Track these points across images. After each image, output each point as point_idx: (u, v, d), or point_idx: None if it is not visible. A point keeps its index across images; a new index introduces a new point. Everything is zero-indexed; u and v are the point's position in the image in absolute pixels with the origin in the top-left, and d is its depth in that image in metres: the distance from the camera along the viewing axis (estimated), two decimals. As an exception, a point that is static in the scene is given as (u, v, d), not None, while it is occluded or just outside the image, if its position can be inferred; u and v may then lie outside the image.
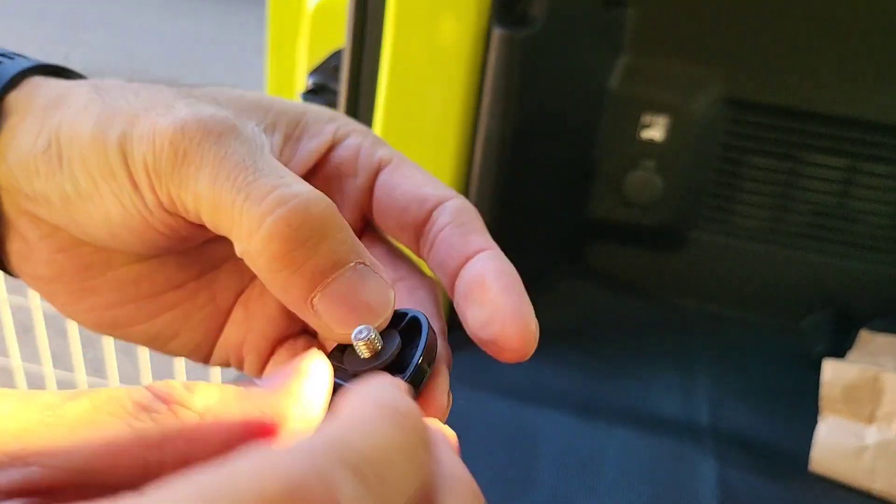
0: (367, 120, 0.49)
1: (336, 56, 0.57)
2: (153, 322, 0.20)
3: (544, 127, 0.55)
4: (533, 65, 0.49)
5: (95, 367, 1.33)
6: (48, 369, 1.14)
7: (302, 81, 0.60)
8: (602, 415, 0.47)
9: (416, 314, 0.17)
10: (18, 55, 0.20)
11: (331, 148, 0.20)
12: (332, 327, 0.16)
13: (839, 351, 0.52)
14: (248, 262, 0.16)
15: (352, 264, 0.16)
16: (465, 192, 0.50)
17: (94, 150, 0.17)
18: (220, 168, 0.16)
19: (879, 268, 0.60)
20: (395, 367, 0.17)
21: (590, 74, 0.59)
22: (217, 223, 0.16)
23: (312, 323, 0.16)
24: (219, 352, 0.21)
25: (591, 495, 0.40)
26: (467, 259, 0.19)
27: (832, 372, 0.45)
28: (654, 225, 0.63)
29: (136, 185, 0.17)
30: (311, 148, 0.19)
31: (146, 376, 1.05)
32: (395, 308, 0.17)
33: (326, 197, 0.16)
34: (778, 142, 0.60)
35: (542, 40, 0.49)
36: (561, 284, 0.63)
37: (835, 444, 0.44)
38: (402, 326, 0.17)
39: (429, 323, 0.17)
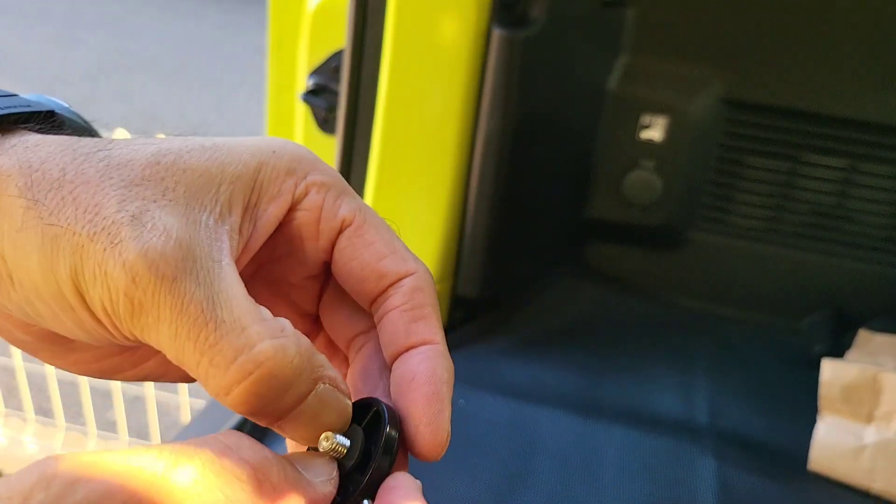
0: (368, 120, 0.49)
1: (336, 57, 0.57)
2: (140, 368, 0.20)
3: (544, 127, 0.55)
4: (532, 65, 0.49)
5: (96, 368, 1.33)
6: (50, 369, 1.15)
7: (302, 82, 0.60)
8: (602, 413, 0.47)
9: (379, 407, 0.18)
10: None
11: (291, 209, 0.19)
12: (297, 442, 0.17)
13: (838, 350, 0.52)
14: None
15: (313, 392, 0.16)
16: (465, 192, 0.51)
17: (47, 285, 0.16)
18: (178, 324, 0.15)
19: (878, 268, 0.60)
20: (358, 467, 0.17)
21: (589, 75, 0.59)
22: (184, 370, 0.16)
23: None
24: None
25: (591, 493, 0.40)
26: (408, 349, 0.18)
27: (831, 371, 0.45)
28: (654, 224, 0.63)
29: (97, 320, 0.16)
30: (270, 214, 0.18)
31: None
32: (359, 399, 0.18)
33: (291, 346, 0.16)
34: (776, 142, 0.60)
35: (542, 41, 0.49)
36: (560, 284, 0.63)
37: (834, 444, 0.44)
38: (366, 422, 0.18)
39: (389, 414, 0.18)
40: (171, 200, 0.16)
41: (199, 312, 0.15)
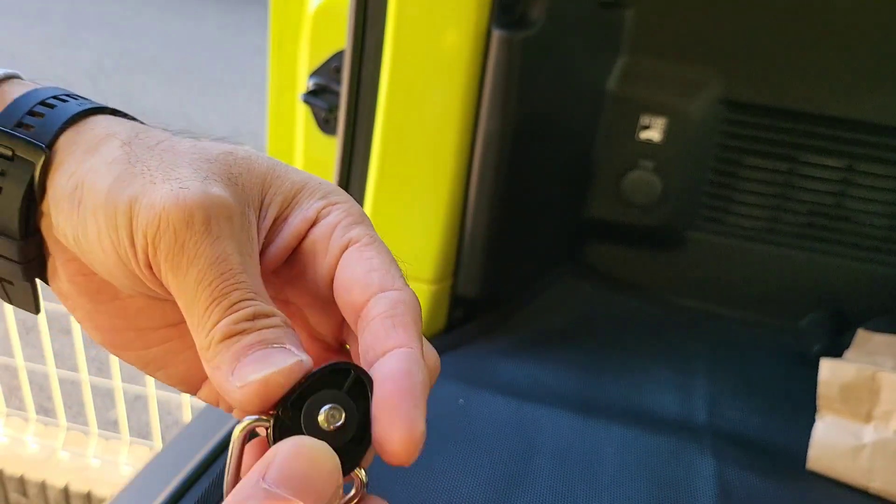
0: (369, 121, 0.49)
1: (337, 57, 0.58)
2: (146, 351, 0.23)
3: (543, 127, 0.55)
4: (532, 66, 0.49)
5: (99, 367, 1.33)
6: (51, 369, 1.15)
7: (303, 82, 0.60)
8: (601, 413, 0.47)
9: (359, 374, 0.18)
10: (80, 97, 0.23)
11: (312, 224, 0.21)
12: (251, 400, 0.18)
13: (836, 350, 0.52)
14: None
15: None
16: (465, 192, 0.51)
17: (106, 203, 0.19)
18: (207, 272, 0.18)
19: (876, 267, 0.60)
20: (353, 439, 0.18)
21: (588, 76, 0.59)
22: (185, 316, 0.19)
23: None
24: (205, 390, 0.23)
25: (590, 492, 0.40)
26: (385, 353, 0.18)
27: (829, 371, 0.45)
28: (653, 224, 0.63)
29: (133, 244, 0.19)
30: (293, 227, 0.21)
31: (149, 377, 1.05)
32: (331, 363, 0.18)
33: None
34: (775, 142, 0.60)
35: (541, 42, 0.49)
36: (560, 283, 0.63)
37: (832, 443, 0.44)
38: (348, 386, 0.18)
39: (368, 380, 0.18)
40: (233, 184, 0.20)
41: (228, 269, 0.18)
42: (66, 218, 0.20)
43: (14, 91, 0.22)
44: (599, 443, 0.44)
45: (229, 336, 0.18)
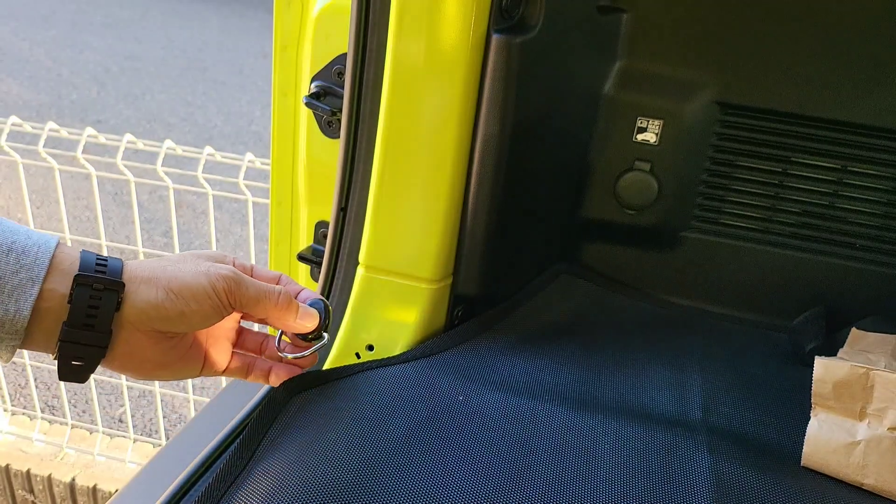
0: (371, 124, 0.50)
1: (339, 60, 0.58)
2: (185, 364, 0.43)
3: (541, 130, 0.56)
4: (530, 69, 0.50)
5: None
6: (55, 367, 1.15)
7: (306, 85, 0.61)
8: (597, 409, 0.48)
9: (324, 301, 0.46)
10: (108, 258, 0.39)
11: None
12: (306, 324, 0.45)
13: (830, 348, 0.53)
14: (272, 322, 0.44)
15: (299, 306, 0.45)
16: (465, 192, 0.52)
17: (196, 285, 0.39)
18: (252, 291, 0.41)
19: (869, 267, 0.61)
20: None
21: (585, 79, 0.60)
22: (255, 312, 0.42)
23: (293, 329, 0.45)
24: (206, 371, 0.45)
25: (587, 487, 0.41)
26: (298, 292, 0.46)
27: (823, 369, 0.45)
28: (649, 225, 0.64)
29: (219, 297, 0.39)
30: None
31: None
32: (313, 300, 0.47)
33: (285, 293, 0.43)
34: (769, 144, 0.61)
35: (540, 46, 0.50)
36: (557, 282, 0.64)
37: (826, 440, 0.44)
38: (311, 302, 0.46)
39: (325, 304, 0.46)
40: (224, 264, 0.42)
41: (255, 285, 0.41)
42: (170, 307, 0.38)
43: (67, 251, 0.37)
44: (596, 439, 0.44)
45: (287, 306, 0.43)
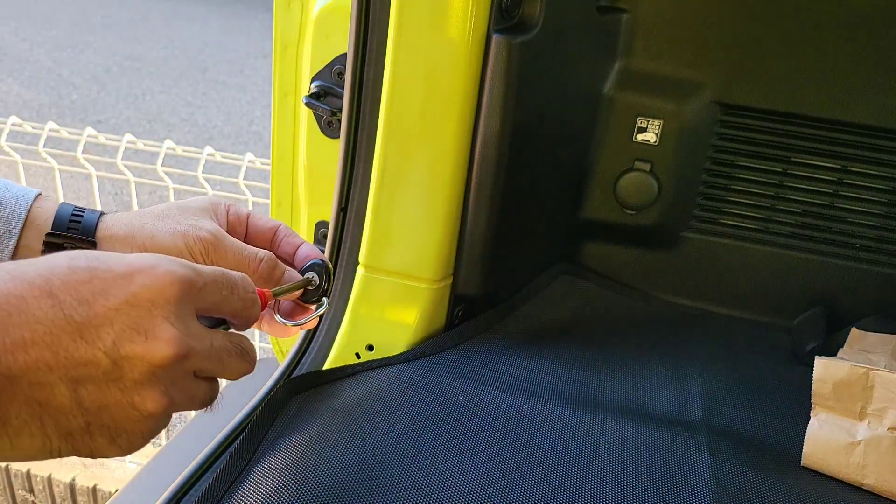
0: (371, 124, 0.50)
1: (339, 61, 0.59)
2: None
3: (541, 130, 0.56)
4: (530, 70, 0.50)
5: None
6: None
7: (306, 85, 0.61)
8: (597, 409, 0.48)
9: (325, 261, 0.42)
10: (83, 209, 0.37)
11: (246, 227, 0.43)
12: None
13: (830, 348, 0.53)
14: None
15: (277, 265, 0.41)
16: (465, 192, 0.52)
17: (172, 246, 0.36)
18: (235, 252, 0.38)
19: (869, 267, 0.61)
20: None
21: (585, 79, 0.60)
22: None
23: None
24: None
25: (587, 487, 0.41)
26: (297, 247, 0.42)
27: (823, 369, 0.45)
28: (648, 225, 0.64)
29: (194, 261, 0.34)
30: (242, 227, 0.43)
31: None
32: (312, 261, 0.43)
33: (271, 256, 0.40)
34: (769, 144, 0.61)
35: (539, 46, 0.50)
36: (557, 282, 0.64)
37: (826, 440, 0.44)
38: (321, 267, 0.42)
39: (326, 264, 0.42)
40: (208, 215, 0.39)
41: (238, 252, 0.38)
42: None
43: (46, 205, 0.36)
44: (596, 439, 0.44)
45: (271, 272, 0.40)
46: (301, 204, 0.67)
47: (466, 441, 0.43)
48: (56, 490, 1.12)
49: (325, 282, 0.40)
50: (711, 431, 0.47)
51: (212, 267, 0.30)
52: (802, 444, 0.45)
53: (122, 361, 0.25)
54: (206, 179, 1.04)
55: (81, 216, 0.35)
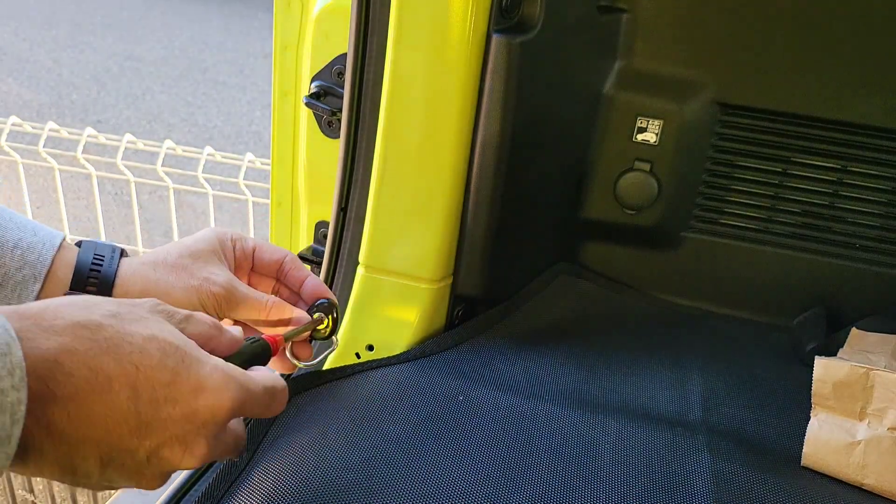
0: (371, 124, 0.50)
1: (339, 61, 0.59)
2: None
3: (542, 130, 0.56)
4: (530, 70, 0.50)
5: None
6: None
7: (306, 85, 0.61)
8: (597, 409, 0.48)
9: (332, 300, 0.45)
10: (106, 246, 0.39)
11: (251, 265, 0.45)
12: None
13: (830, 348, 0.53)
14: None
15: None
16: (465, 192, 0.52)
17: (186, 303, 0.38)
18: (241, 305, 0.40)
19: (869, 267, 0.61)
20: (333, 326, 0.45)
21: (586, 79, 0.60)
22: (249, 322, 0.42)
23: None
24: None
25: (586, 487, 0.41)
26: (303, 280, 0.44)
27: (823, 369, 0.45)
28: (649, 225, 0.64)
29: (207, 314, 0.35)
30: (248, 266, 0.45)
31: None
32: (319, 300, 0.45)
33: (276, 301, 0.42)
34: (769, 144, 0.61)
35: (540, 46, 0.50)
36: (557, 282, 0.64)
37: (826, 440, 0.44)
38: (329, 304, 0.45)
39: (332, 301, 0.45)
40: (218, 258, 0.41)
41: (250, 303, 0.41)
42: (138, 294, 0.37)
43: (68, 254, 0.37)
44: (596, 438, 0.44)
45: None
46: (301, 204, 0.67)
47: (466, 441, 0.43)
48: (56, 490, 1.12)
49: (333, 321, 0.43)
50: (711, 431, 0.47)
51: (263, 386, 0.32)
52: (802, 444, 0.45)
53: (155, 459, 0.28)
54: (206, 179, 1.04)
55: (100, 268, 0.37)
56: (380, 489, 0.39)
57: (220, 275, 0.39)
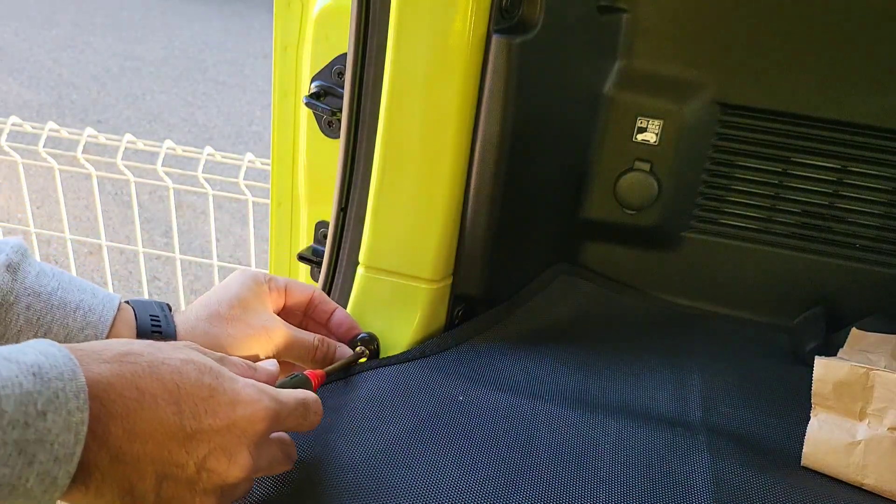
0: (371, 124, 0.50)
1: (339, 60, 0.59)
2: None
3: (541, 130, 0.56)
4: (530, 70, 0.50)
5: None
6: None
7: (306, 86, 0.61)
8: (597, 409, 0.48)
9: (370, 335, 0.50)
10: (160, 306, 0.42)
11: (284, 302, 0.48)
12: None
13: (830, 348, 0.53)
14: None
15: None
16: (465, 192, 0.52)
17: (252, 334, 0.43)
18: (292, 350, 0.44)
19: (869, 267, 0.61)
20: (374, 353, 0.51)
21: (586, 79, 0.60)
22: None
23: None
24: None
25: (587, 487, 0.41)
26: (331, 312, 0.49)
27: (823, 369, 0.45)
28: (649, 225, 0.64)
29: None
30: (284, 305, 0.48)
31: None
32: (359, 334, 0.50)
33: (315, 337, 0.46)
34: (769, 144, 0.61)
35: (539, 46, 0.50)
36: (557, 282, 0.64)
37: (826, 440, 0.44)
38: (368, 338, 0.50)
39: (370, 335, 0.50)
40: (269, 309, 0.45)
41: (299, 349, 0.45)
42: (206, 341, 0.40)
43: (126, 315, 0.39)
44: (596, 439, 0.44)
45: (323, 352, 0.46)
46: (301, 204, 0.67)
47: (466, 441, 0.43)
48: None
49: (375, 353, 0.48)
50: (711, 431, 0.47)
51: (294, 398, 0.35)
52: (802, 444, 0.45)
53: (204, 472, 0.30)
54: (206, 179, 1.04)
55: (160, 329, 0.39)
56: (380, 489, 0.39)
57: (274, 321, 0.42)
